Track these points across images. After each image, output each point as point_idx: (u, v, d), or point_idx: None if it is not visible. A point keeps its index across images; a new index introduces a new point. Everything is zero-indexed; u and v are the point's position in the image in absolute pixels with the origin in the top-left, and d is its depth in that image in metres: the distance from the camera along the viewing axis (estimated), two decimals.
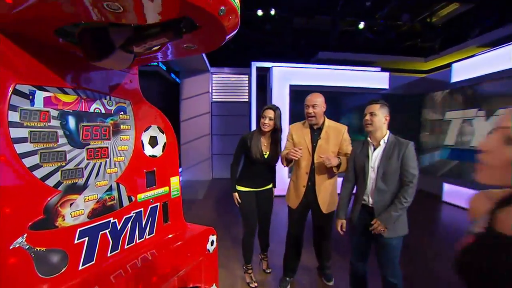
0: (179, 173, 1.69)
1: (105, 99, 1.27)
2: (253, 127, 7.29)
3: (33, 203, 0.99)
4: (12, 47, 0.91)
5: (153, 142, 1.51)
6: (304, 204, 2.38)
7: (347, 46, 8.33)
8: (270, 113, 2.45)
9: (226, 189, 7.16)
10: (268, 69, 6.63)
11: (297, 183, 2.39)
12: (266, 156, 2.51)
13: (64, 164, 1.09)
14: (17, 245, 0.90)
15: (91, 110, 1.20)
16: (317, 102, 2.29)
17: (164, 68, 7.02)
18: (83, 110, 1.17)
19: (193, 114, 8.62)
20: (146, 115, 1.48)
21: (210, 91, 9.15)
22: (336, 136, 2.29)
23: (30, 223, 0.94)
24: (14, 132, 0.94)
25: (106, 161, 1.26)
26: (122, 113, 1.36)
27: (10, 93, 0.94)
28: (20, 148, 0.95)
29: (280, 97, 6.17)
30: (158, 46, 1.01)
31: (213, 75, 9.17)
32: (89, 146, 1.18)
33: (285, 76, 6.23)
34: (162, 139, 1.56)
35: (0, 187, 0.88)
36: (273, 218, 2.79)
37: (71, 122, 1.13)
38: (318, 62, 8.20)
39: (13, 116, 0.94)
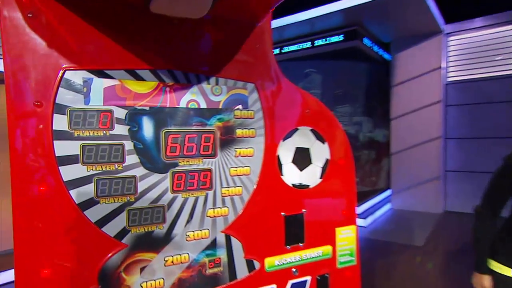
0: (355, 220, 1.40)
1: (208, 83, 1.08)
2: None
3: (82, 264, 0.89)
4: (57, 10, 0.85)
5: (302, 159, 1.25)
6: None
7: None
8: None
9: (469, 237, 5.04)
10: None
11: None
12: None
13: (133, 199, 0.96)
14: None
15: (182, 104, 1.03)
16: None
17: (366, 41, 6.26)
18: (168, 105, 1.01)
19: (412, 106, 6.97)
20: (287, 110, 1.23)
21: (444, 65, 7.00)
22: None
23: None
24: (60, 148, 0.86)
25: (207, 195, 1.07)
26: (239, 107, 1.13)
27: (56, 86, 0.86)
28: (67, 172, 0.87)
29: None
30: None
31: (450, 38, 6.95)
32: (177, 169, 1.03)
33: None
34: (321, 153, 1.29)
35: (34, 236, 0.83)
36: None
37: (147, 127, 0.98)
38: None
39: (60, 122, 0.87)
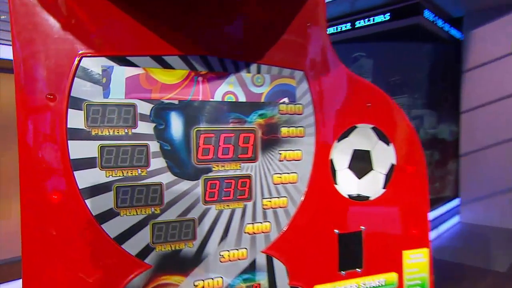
0: (428, 242, 1.27)
1: (248, 71, 1.01)
2: None
3: (99, 287, 0.84)
4: None
5: (361, 165, 1.17)
6: None
7: None
8: None
9: None
10: None
11: None
12: None
13: (158, 211, 0.90)
14: None
15: (217, 97, 0.97)
16: None
17: (429, 15, 5.62)
18: (200, 98, 0.95)
19: (490, 96, 6.16)
20: (344, 103, 1.15)
21: None
22: None
23: None
24: (76, 149, 0.82)
25: (245, 207, 1.01)
26: (285, 100, 1.05)
27: (71, 75, 0.80)
28: (83, 178, 0.82)
29: None
30: None
31: None
32: (211, 175, 0.97)
33: None
34: (384, 158, 1.20)
35: (45, 252, 0.79)
36: None
37: (176, 125, 0.92)
38: None
39: (75, 119, 0.81)
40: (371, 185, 1.13)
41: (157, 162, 0.89)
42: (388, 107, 1.14)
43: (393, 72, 5.42)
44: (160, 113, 0.89)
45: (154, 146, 0.89)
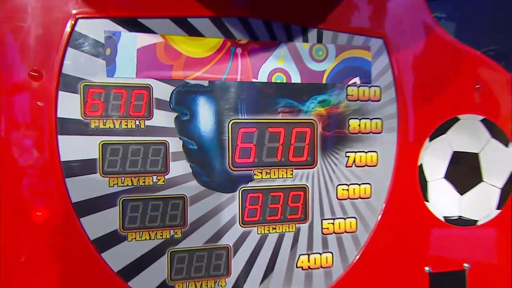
0: None
1: (304, 39, 0.84)
2: None
3: None
4: None
5: (465, 173, 0.96)
6: None
7: None
8: None
9: None
10: None
11: None
12: None
13: (179, 235, 0.76)
14: None
15: (262, 77, 0.81)
16: None
17: None
18: (239, 78, 0.80)
19: None
20: (440, 85, 0.93)
21: None
22: None
23: None
24: (68, 148, 0.69)
25: (298, 231, 0.84)
26: (356, 80, 0.87)
27: (63, 45, 0.67)
28: (78, 189, 0.70)
29: None
30: None
31: None
32: (252, 186, 0.81)
33: None
34: (501, 164, 0.98)
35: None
36: None
37: (205, 115, 0.78)
38: None
39: (68, 106, 0.69)
40: (480, 204, 0.94)
41: (179, 167, 0.75)
42: (508, 90, 0.92)
43: (485, 40, 4.87)
44: (185, 98, 0.75)
45: (175, 144, 0.75)
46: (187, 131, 0.74)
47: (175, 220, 0.74)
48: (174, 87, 0.74)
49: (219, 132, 0.76)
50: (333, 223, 0.83)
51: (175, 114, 0.74)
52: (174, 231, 0.74)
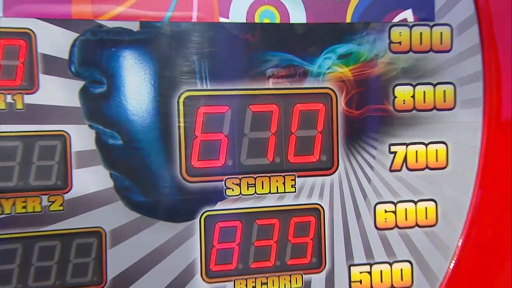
0: None
1: None
2: None
3: None
4: None
5: None
6: None
7: None
8: None
9: None
10: None
11: None
12: None
13: None
14: None
15: (236, 15, 0.55)
16: None
17: None
18: (195, 18, 0.54)
19: None
20: None
21: None
22: None
23: None
24: None
25: (309, 285, 0.60)
26: (405, 17, 0.58)
27: None
28: None
29: None
30: None
31: None
32: (221, 209, 0.56)
33: None
34: None
35: None
36: None
37: (137, 85, 0.50)
38: None
39: None
40: None
41: (90, 179, 0.48)
42: None
43: None
44: (97, 54, 0.49)
45: (82, 137, 0.48)
46: (104, 114, 0.49)
47: (84, 275, 0.48)
48: (78, 34, 0.47)
49: (162, 114, 0.48)
50: (369, 272, 0.52)
51: (81, 83, 0.48)
52: None
